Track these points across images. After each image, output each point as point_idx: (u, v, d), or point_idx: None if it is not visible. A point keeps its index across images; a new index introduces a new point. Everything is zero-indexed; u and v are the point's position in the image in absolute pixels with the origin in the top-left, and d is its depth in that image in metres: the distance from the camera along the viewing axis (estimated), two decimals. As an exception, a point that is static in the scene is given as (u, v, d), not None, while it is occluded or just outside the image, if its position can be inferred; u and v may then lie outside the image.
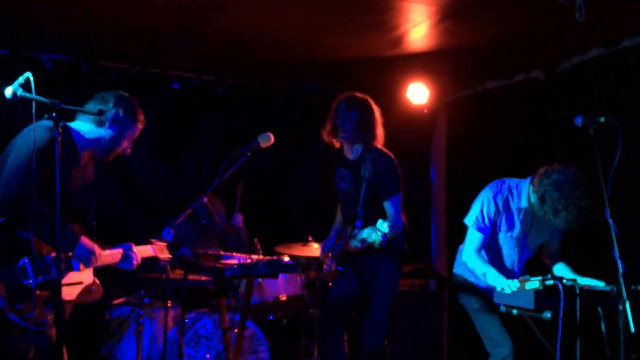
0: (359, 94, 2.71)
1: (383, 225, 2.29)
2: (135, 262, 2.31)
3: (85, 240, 2.12)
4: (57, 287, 1.79)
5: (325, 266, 2.56)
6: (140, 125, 2.28)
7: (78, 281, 2.15)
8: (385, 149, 2.73)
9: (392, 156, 2.71)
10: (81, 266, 2.16)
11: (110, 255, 2.26)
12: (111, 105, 2.19)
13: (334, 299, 2.74)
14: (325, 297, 2.82)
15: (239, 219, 3.64)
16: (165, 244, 2.45)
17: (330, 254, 2.64)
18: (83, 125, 2.21)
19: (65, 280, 2.08)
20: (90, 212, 2.16)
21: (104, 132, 2.20)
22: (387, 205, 2.60)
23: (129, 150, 2.30)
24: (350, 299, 2.72)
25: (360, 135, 2.63)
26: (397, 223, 2.60)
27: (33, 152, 1.87)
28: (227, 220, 3.66)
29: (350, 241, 2.46)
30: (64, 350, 2.03)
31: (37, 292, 1.96)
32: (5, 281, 1.92)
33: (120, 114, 2.20)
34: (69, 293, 2.12)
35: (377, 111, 2.70)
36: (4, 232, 1.95)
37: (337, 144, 2.74)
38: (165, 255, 2.49)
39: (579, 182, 2.29)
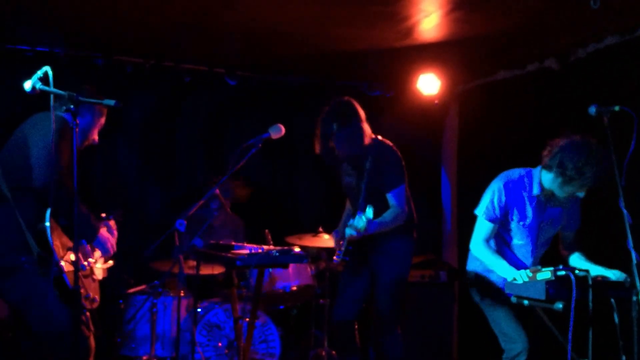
0: (343, 103, 2.65)
1: (368, 211, 2.36)
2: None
3: (102, 231, 2.26)
4: (76, 273, 1.86)
5: (334, 257, 2.60)
6: (104, 112, 2.32)
7: (108, 261, 2.34)
8: (387, 141, 2.72)
9: (395, 148, 2.70)
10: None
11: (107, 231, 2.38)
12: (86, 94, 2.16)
13: (345, 291, 2.75)
14: (335, 288, 2.84)
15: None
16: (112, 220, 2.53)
17: (340, 244, 2.66)
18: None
19: (101, 264, 2.29)
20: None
21: (81, 119, 2.24)
22: (390, 197, 2.61)
23: (97, 138, 2.35)
24: (360, 291, 2.73)
25: (354, 147, 2.62)
26: (399, 214, 2.60)
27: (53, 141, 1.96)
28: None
29: (345, 230, 2.50)
30: (92, 338, 2.15)
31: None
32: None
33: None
34: (102, 272, 2.34)
35: (362, 114, 2.65)
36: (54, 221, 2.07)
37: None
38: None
39: (589, 139, 2.29)
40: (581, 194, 2.34)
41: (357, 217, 2.41)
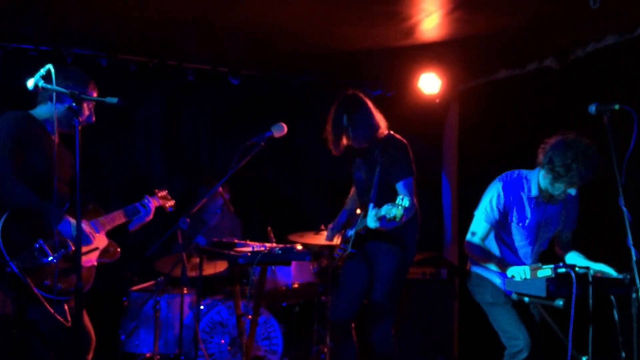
0: (348, 95, 2.69)
1: (404, 201, 2.25)
2: (151, 211, 2.49)
3: (69, 217, 2.21)
4: (78, 270, 1.88)
5: (336, 252, 2.59)
6: (93, 87, 2.30)
7: (93, 247, 2.31)
8: (397, 135, 2.75)
9: (405, 141, 2.72)
10: (94, 234, 2.30)
11: (112, 218, 2.39)
12: (62, 80, 2.16)
13: (345, 285, 2.76)
14: (336, 284, 2.85)
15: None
16: (166, 191, 2.65)
17: (340, 238, 2.66)
18: (41, 109, 2.27)
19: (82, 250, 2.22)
20: (75, 187, 2.15)
21: (61, 106, 2.23)
22: (400, 188, 2.60)
23: (93, 118, 2.33)
24: (360, 286, 2.73)
25: (367, 132, 2.64)
26: (409, 205, 2.62)
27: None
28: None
29: (365, 222, 2.44)
30: (92, 330, 2.17)
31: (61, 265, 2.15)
32: (28, 263, 2.07)
33: (71, 85, 2.18)
34: (89, 260, 2.29)
35: (370, 103, 2.69)
36: (14, 220, 2.09)
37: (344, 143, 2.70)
38: (169, 202, 2.67)
39: (581, 137, 2.30)
40: (572, 191, 2.34)
41: (386, 206, 2.27)
